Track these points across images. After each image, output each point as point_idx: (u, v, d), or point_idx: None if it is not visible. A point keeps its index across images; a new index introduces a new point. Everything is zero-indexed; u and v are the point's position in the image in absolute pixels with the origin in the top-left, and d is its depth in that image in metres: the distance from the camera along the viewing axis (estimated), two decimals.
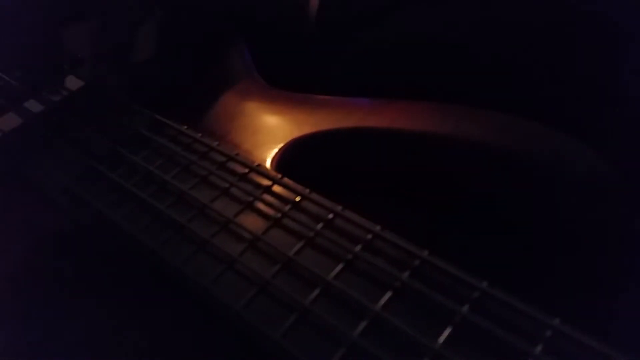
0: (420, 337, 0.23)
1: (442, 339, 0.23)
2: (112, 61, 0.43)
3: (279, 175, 0.33)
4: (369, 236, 0.28)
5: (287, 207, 0.30)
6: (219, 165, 0.34)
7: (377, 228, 0.28)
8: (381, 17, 0.46)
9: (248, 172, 0.33)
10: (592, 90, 0.36)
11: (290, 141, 0.37)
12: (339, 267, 0.27)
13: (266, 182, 0.32)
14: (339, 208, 0.30)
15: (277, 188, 0.32)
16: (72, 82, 0.44)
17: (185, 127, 0.37)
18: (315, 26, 0.50)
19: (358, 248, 0.28)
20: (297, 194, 0.31)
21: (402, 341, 0.24)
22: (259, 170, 0.33)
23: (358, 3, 0.49)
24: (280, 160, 0.36)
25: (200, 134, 0.37)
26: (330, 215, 0.29)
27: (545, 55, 0.38)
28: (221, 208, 0.31)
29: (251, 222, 0.30)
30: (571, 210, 0.30)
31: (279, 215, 0.30)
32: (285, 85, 0.42)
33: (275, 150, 0.36)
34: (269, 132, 0.38)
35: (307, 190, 0.31)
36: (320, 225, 0.29)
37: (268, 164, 0.35)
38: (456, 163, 0.33)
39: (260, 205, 0.31)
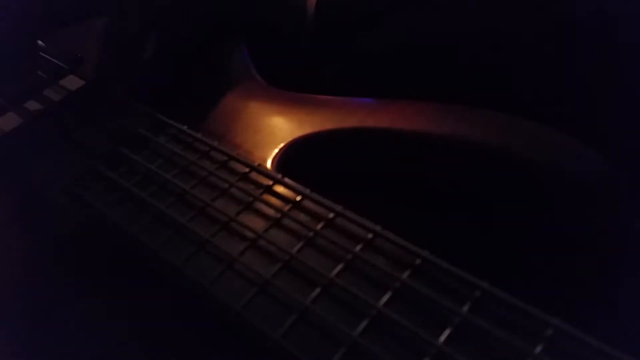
0: (421, 337, 0.23)
1: (442, 338, 0.23)
2: (113, 61, 0.43)
3: (279, 175, 0.33)
4: (369, 236, 0.28)
5: (288, 207, 0.30)
6: (219, 165, 0.34)
7: (377, 228, 0.28)
8: (379, 19, 0.46)
9: (248, 172, 0.33)
10: (592, 90, 0.36)
11: (290, 141, 0.37)
12: (339, 266, 0.27)
13: (266, 182, 0.32)
14: (339, 208, 0.30)
15: (277, 188, 0.32)
16: (73, 82, 0.44)
17: (186, 126, 0.37)
18: (313, 27, 0.50)
19: (358, 248, 0.28)
20: (298, 193, 0.31)
21: (403, 341, 0.24)
22: (259, 170, 0.33)
23: (355, 4, 0.49)
24: (281, 160, 0.36)
25: (200, 134, 0.37)
26: (331, 215, 0.29)
27: (545, 55, 0.38)
28: (221, 208, 0.31)
29: (251, 222, 0.30)
30: (571, 210, 0.30)
31: (279, 215, 0.30)
32: (285, 85, 0.42)
33: (276, 150, 0.36)
34: (270, 132, 0.38)
35: (308, 190, 0.31)
36: (320, 225, 0.29)
37: (268, 164, 0.35)
38: (456, 163, 0.33)
39: (261, 205, 0.31)
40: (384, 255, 0.27)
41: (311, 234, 0.29)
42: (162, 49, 0.47)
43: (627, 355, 0.21)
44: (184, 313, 0.28)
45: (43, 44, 0.49)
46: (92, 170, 0.35)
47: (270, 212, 0.31)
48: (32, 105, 0.43)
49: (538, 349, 0.22)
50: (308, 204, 0.31)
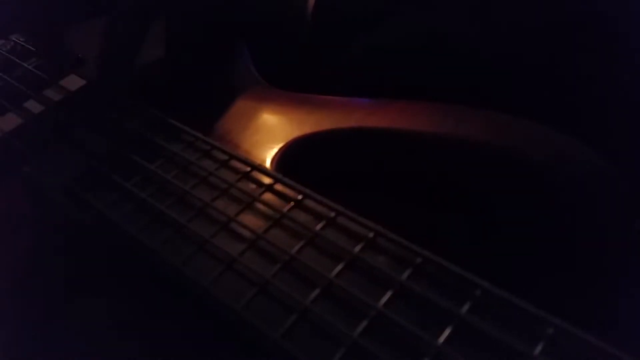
0: (421, 337, 0.23)
1: (442, 338, 0.23)
2: (114, 61, 0.43)
3: (279, 175, 0.33)
4: (369, 236, 0.28)
5: (287, 207, 0.30)
6: (219, 165, 0.34)
7: (378, 228, 0.28)
8: (379, 18, 0.46)
9: (248, 172, 0.33)
10: (592, 90, 0.36)
11: (290, 141, 0.37)
12: (339, 266, 0.27)
13: (266, 181, 0.32)
14: (339, 208, 0.30)
15: (277, 188, 0.32)
16: (73, 82, 0.44)
17: (186, 126, 0.37)
18: (313, 27, 0.50)
19: (358, 248, 0.28)
20: (297, 193, 0.31)
21: (403, 341, 0.24)
22: (259, 170, 0.33)
23: (355, 4, 0.49)
24: (281, 160, 0.36)
25: (200, 134, 0.37)
26: (330, 215, 0.29)
27: (545, 55, 0.38)
28: (221, 208, 0.31)
29: (251, 222, 0.30)
30: (571, 210, 0.30)
31: (279, 215, 0.30)
32: (285, 85, 0.42)
33: (276, 150, 0.36)
34: (269, 132, 0.38)
35: (307, 190, 0.31)
36: (320, 225, 0.29)
37: (268, 164, 0.35)
38: (456, 163, 0.33)
39: (260, 205, 0.31)
40: (384, 255, 0.27)
41: (311, 234, 0.29)
42: (162, 49, 0.47)
43: (627, 355, 0.21)
44: (184, 313, 0.28)
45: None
46: (92, 170, 0.35)
47: (270, 212, 0.31)
48: (32, 105, 0.43)
49: (538, 348, 0.22)
50: (308, 203, 0.31)
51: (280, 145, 0.37)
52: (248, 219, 0.30)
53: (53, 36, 0.44)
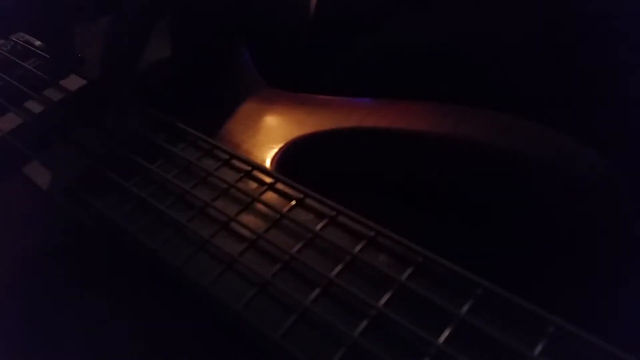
0: (421, 336, 0.23)
1: (442, 338, 0.23)
2: (116, 61, 0.43)
3: (279, 175, 0.33)
4: (369, 236, 0.28)
5: (287, 207, 0.30)
6: (219, 165, 0.34)
7: (378, 227, 0.28)
8: (380, 18, 0.46)
9: (248, 172, 0.33)
10: (592, 90, 0.36)
11: (290, 141, 0.37)
12: (339, 266, 0.27)
13: (266, 181, 0.32)
14: (338, 207, 0.30)
15: (277, 188, 0.32)
16: (73, 82, 0.44)
17: (186, 126, 0.37)
18: (313, 27, 0.50)
19: (358, 248, 0.28)
20: (297, 193, 0.31)
21: (403, 340, 0.24)
22: (259, 169, 0.33)
23: (356, 5, 0.49)
24: (280, 160, 0.36)
25: (200, 134, 0.37)
26: (330, 215, 0.29)
27: (544, 55, 0.38)
28: (221, 208, 0.31)
29: (251, 222, 0.30)
30: (571, 210, 0.30)
31: (279, 215, 0.30)
32: (285, 85, 0.42)
33: (275, 150, 0.36)
34: (269, 132, 0.38)
35: (307, 190, 0.31)
36: (320, 225, 0.29)
37: (268, 164, 0.35)
38: (456, 163, 0.33)
39: (260, 205, 0.31)
40: (384, 254, 0.27)
41: (311, 234, 0.29)
42: (162, 50, 0.47)
43: (627, 355, 0.21)
44: (184, 313, 0.28)
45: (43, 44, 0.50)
46: (92, 170, 0.35)
47: (270, 212, 0.31)
48: (32, 105, 0.43)
49: (539, 347, 0.22)
50: (308, 203, 0.31)
51: (280, 145, 0.37)
52: (248, 218, 0.30)
53: (61, 35, 0.44)
